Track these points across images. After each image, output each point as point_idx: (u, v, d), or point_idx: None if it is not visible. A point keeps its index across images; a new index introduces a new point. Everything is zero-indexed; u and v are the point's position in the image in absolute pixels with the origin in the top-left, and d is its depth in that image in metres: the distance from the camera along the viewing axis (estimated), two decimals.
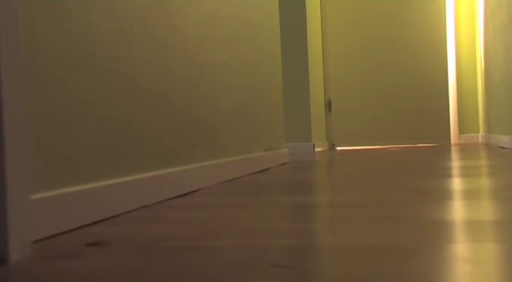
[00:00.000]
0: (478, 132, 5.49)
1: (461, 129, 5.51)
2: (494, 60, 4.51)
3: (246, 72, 2.64)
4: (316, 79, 5.14)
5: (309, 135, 4.66)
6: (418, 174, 2.11)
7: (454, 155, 3.50)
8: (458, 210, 1.17)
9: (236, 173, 2.34)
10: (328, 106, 5.61)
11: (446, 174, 2.10)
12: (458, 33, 5.50)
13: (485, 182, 1.72)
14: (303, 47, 4.66)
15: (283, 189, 1.79)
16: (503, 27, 4.07)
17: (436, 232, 0.93)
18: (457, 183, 1.72)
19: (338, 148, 5.62)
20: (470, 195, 1.42)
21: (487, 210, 1.15)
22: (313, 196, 1.55)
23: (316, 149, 4.83)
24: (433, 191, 1.54)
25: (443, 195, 1.43)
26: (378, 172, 2.32)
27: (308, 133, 4.66)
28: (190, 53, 1.93)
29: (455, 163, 2.68)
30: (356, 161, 3.28)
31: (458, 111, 5.50)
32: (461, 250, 0.79)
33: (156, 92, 1.63)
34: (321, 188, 1.76)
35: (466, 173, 2.08)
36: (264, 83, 2.98)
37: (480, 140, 5.46)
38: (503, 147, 4.20)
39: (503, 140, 4.24)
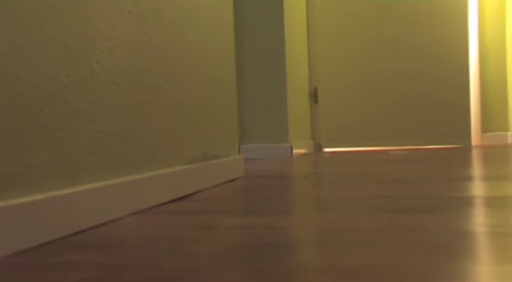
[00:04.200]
0: (507, 130, 4.30)
1: (485, 127, 4.31)
2: None
3: (152, 26, 1.43)
4: (296, 60, 3.94)
5: (285, 134, 3.45)
6: (435, 230, 0.92)
7: (485, 168, 2.31)
8: None
9: (104, 214, 1.13)
10: (314, 96, 4.41)
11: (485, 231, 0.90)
12: (482, 2, 4.30)
13: None
14: (278, 13, 3.45)
15: None
16: None
17: None
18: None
19: (326, 149, 4.42)
20: None
21: None
22: None
23: (297, 151, 3.63)
24: None
25: None
26: (374, 214, 1.12)
27: (284, 131, 3.45)
28: None
29: (491, 190, 1.49)
30: (345, 175, 2.08)
31: (481, 103, 4.30)
32: None
33: None
34: None
35: None
36: (194, 52, 1.78)
37: (510, 141, 4.26)
38: None
39: None
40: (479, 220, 1.03)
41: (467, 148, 3.91)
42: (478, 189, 1.51)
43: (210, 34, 1.95)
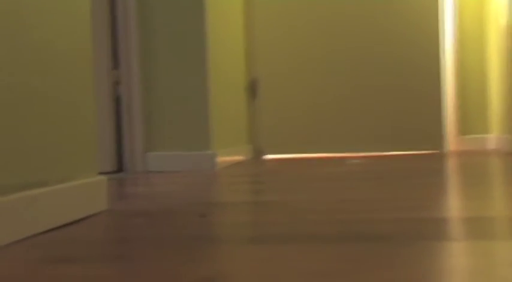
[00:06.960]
0: (488, 132, 3.54)
1: (462, 128, 3.55)
2: None
3: None
4: (227, 45, 3.09)
5: (206, 138, 2.59)
6: None
7: (467, 201, 1.53)
8: None
9: None
10: (252, 90, 3.56)
11: None
12: None
13: None
14: None
15: None
16: None
17: None
18: None
19: (268, 156, 3.58)
20: None
21: None
22: None
23: (227, 159, 2.78)
24: None
25: None
26: None
27: (204, 134, 2.59)
28: None
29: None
30: (270, 214, 1.25)
31: (458, 99, 3.54)
32: None
33: None
34: None
35: None
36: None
37: (493, 146, 3.50)
38: None
39: None
40: None
41: (441, 155, 3.13)
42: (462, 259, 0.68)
43: None
